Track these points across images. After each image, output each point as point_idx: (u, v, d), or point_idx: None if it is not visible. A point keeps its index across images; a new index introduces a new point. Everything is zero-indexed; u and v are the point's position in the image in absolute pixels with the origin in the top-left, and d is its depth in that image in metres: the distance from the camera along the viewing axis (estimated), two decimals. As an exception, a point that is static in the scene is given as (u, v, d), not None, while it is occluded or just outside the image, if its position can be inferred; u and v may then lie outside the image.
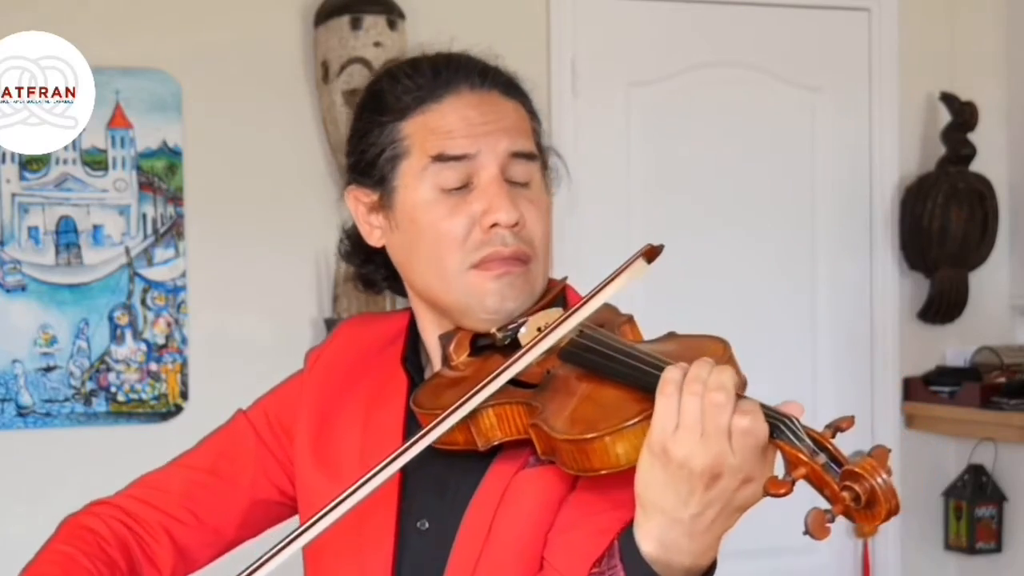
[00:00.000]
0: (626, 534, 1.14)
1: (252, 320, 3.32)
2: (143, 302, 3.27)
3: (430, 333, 1.39)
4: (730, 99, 3.69)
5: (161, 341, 3.28)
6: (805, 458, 1.05)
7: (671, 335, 1.26)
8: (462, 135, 1.30)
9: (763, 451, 1.08)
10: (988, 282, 3.90)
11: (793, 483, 1.05)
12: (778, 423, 1.08)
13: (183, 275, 3.30)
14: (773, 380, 3.69)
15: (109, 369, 3.24)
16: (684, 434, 1.08)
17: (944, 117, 3.79)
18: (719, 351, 1.16)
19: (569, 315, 1.24)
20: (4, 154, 3.16)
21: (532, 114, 1.38)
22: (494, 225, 1.29)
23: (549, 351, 1.24)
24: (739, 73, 3.71)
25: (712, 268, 3.67)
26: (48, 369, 3.21)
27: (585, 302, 1.24)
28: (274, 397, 1.49)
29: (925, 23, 3.86)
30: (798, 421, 1.08)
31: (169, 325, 3.29)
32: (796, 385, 3.72)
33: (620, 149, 3.62)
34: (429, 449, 1.22)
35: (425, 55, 1.38)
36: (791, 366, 3.71)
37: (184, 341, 3.30)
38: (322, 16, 3.29)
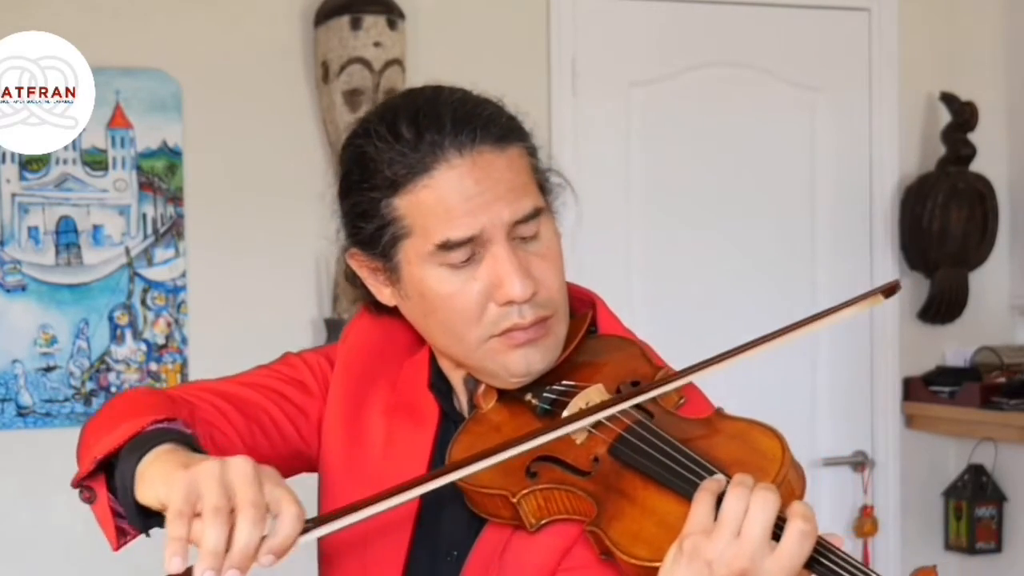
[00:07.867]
0: None
1: (252, 320, 3.32)
2: (143, 302, 3.26)
3: (451, 370, 1.37)
4: (730, 99, 3.69)
5: (161, 341, 3.28)
6: None
7: (720, 415, 1.22)
8: (462, 213, 1.23)
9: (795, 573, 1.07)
10: (988, 282, 3.90)
11: None
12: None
13: (183, 275, 3.30)
14: (773, 380, 3.71)
15: (109, 369, 3.24)
16: (719, 532, 1.07)
17: (944, 117, 3.79)
18: (777, 452, 1.14)
19: (618, 399, 1.23)
20: (4, 154, 3.15)
21: (529, 150, 1.30)
22: (509, 301, 1.25)
23: (592, 428, 1.23)
24: (739, 73, 3.70)
25: (711, 267, 3.67)
26: (48, 369, 3.21)
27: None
28: (324, 355, 1.46)
29: (925, 23, 3.86)
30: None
31: (169, 325, 3.29)
32: (796, 386, 3.72)
33: (620, 149, 3.62)
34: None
35: (401, 108, 1.28)
36: (791, 366, 3.70)
37: (184, 341, 3.30)
38: (322, 16, 3.29)
